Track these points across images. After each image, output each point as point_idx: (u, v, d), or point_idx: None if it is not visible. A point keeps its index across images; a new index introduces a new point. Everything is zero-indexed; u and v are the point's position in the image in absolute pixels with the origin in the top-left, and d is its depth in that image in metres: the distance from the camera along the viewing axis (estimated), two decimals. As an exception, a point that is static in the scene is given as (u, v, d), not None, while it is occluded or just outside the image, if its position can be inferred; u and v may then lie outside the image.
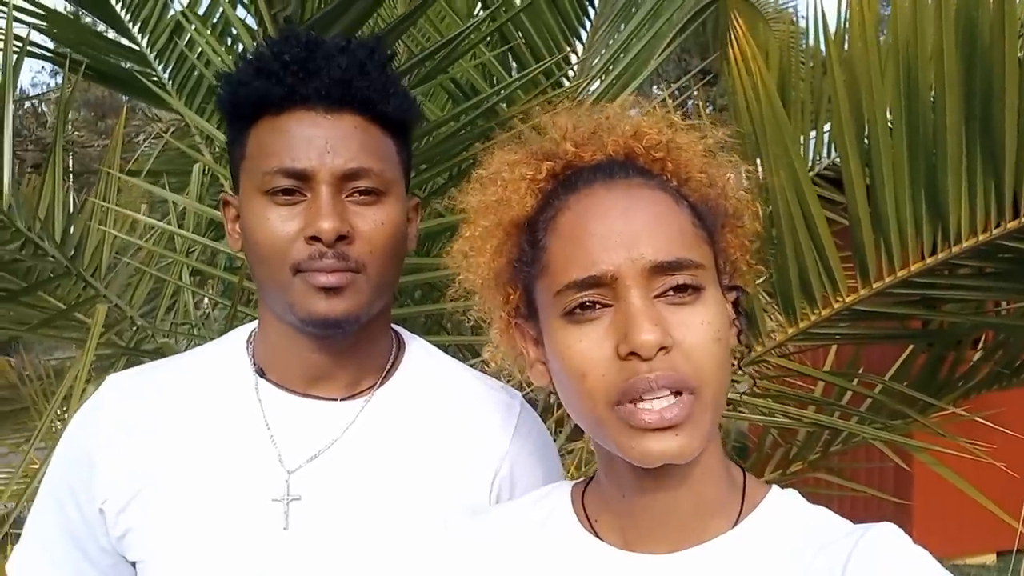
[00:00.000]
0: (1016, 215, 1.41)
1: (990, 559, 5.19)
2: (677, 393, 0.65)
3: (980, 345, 2.16)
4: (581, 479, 0.81)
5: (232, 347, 0.97)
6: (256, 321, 0.98)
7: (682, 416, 0.64)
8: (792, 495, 0.74)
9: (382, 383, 0.95)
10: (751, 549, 0.70)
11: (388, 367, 0.96)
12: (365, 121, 0.88)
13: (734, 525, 0.71)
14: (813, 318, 1.66)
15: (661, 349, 0.64)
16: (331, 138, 0.86)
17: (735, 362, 0.74)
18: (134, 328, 2.31)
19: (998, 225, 1.42)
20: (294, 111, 0.86)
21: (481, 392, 0.99)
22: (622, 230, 0.66)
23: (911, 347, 2.17)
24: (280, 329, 0.92)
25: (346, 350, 0.92)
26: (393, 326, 1.01)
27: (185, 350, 2.32)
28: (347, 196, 0.87)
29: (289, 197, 0.86)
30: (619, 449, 0.67)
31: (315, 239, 0.84)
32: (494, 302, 0.78)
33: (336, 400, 0.93)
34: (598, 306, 0.67)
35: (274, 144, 0.86)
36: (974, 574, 5.08)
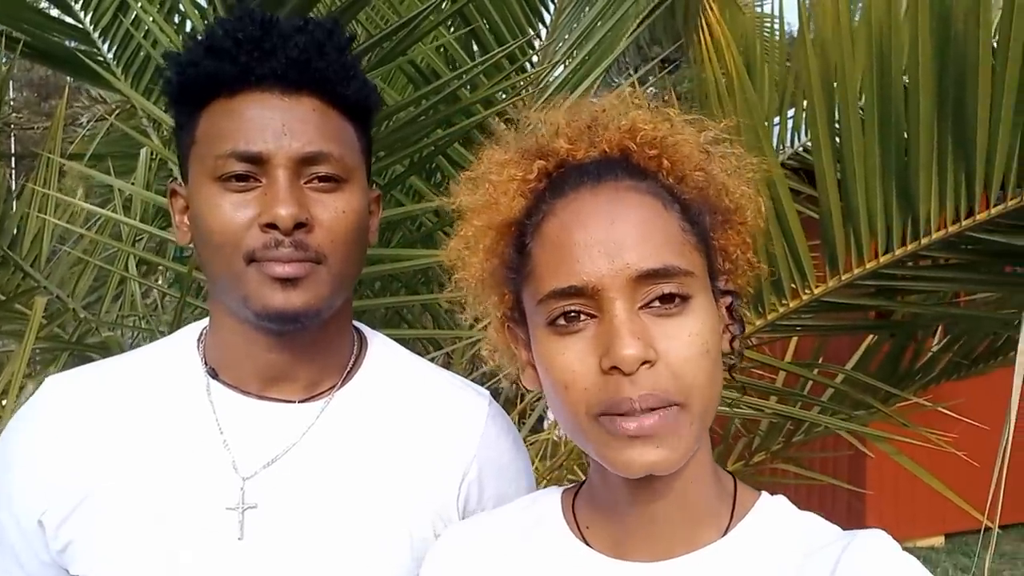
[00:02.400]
0: (984, 207, 1.40)
1: (939, 541, 5.36)
2: (660, 408, 0.63)
3: (940, 336, 2.19)
4: (571, 485, 0.80)
5: (182, 346, 0.91)
6: (207, 319, 0.92)
7: (664, 427, 0.63)
8: (782, 502, 0.74)
9: (343, 384, 0.90)
10: (741, 557, 0.69)
11: (349, 366, 0.92)
12: (324, 104, 0.83)
13: (724, 533, 0.71)
14: (781, 310, 1.65)
15: (644, 363, 0.63)
16: (288, 120, 0.81)
17: (726, 369, 0.72)
18: (77, 321, 2.21)
19: (968, 216, 1.41)
20: (248, 92, 0.81)
21: (447, 391, 0.95)
22: (605, 239, 0.65)
23: (873, 337, 2.18)
24: (233, 326, 0.86)
25: (305, 348, 0.86)
26: (355, 323, 0.96)
27: (132, 343, 2.24)
28: (306, 182, 0.82)
29: (243, 183, 0.80)
30: (601, 459, 0.66)
31: (271, 226, 0.79)
32: (490, 301, 0.76)
33: (294, 402, 0.88)
34: (582, 316, 0.65)
35: (227, 127, 0.81)
36: (923, 555, 5.24)
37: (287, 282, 0.80)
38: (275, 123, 0.80)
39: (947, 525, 5.23)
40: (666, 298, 0.64)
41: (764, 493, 0.74)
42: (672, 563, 0.70)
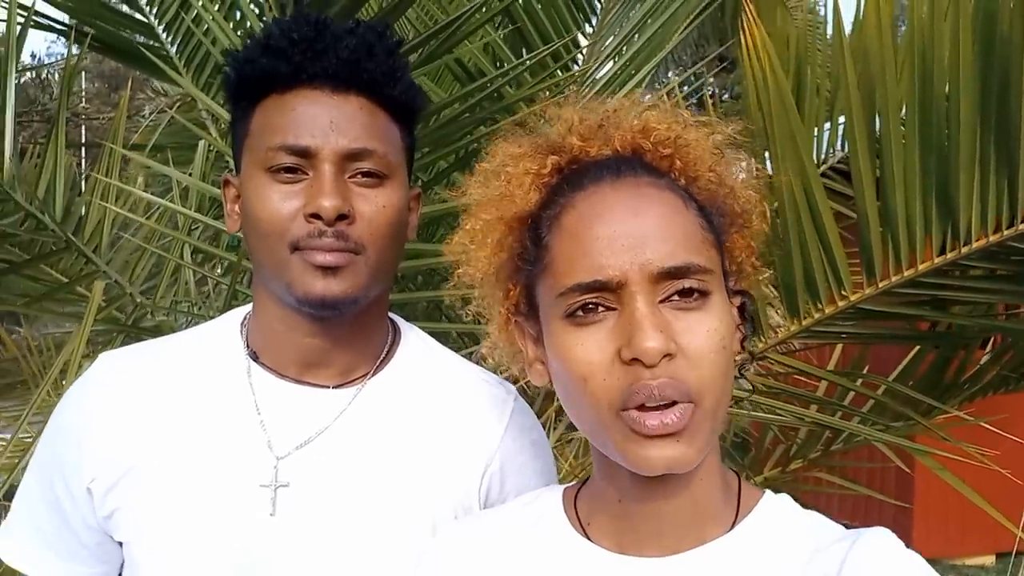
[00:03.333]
0: (1029, 217, 1.37)
1: (989, 560, 5.19)
2: (681, 403, 0.63)
3: (988, 348, 2.13)
4: (573, 483, 0.81)
5: (226, 329, 0.96)
6: (251, 304, 0.96)
7: (682, 424, 0.63)
8: (785, 500, 0.74)
9: (376, 372, 0.94)
10: (745, 554, 0.69)
11: (383, 356, 0.95)
12: (371, 104, 0.87)
13: (729, 530, 0.71)
14: (817, 316, 1.63)
15: (665, 356, 0.63)
16: (336, 117, 0.85)
17: (737, 369, 0.72)
18: (134, 305, 2.30)
19: (1010, 226, 1.38)
20: (300, 90, 0.85)
21: (476, 385, 0.97)
22: (628, 233, 0.65)
23: (917, 348, 2.13)
24: (276, 312, 0.90)
25: (341, 336, 0.90)
26: (390, 315, 0.99)
27: (185, 328, 2.32)
28: (349, 177, 0.86)
29: (291, 175, 0.85)
30: (620, 454, 0.66)
31: (315, 217, 0.83)
32: (494, 297, 0.76)
33: (329, 387, 0.91)
34: (601, 309, 0.65)
35: (278, 121, 0.85)
36: (972, 575, 5.08)
37: (328, 270, 0.84)
38: (323, 119, 0.84)
39: (998, 544, 5.05)
40: (685, 292, 0.65)
41: (768, 491, 0.74)
42: (677, 558, 0.70)
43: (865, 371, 2.20)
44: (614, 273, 0.64)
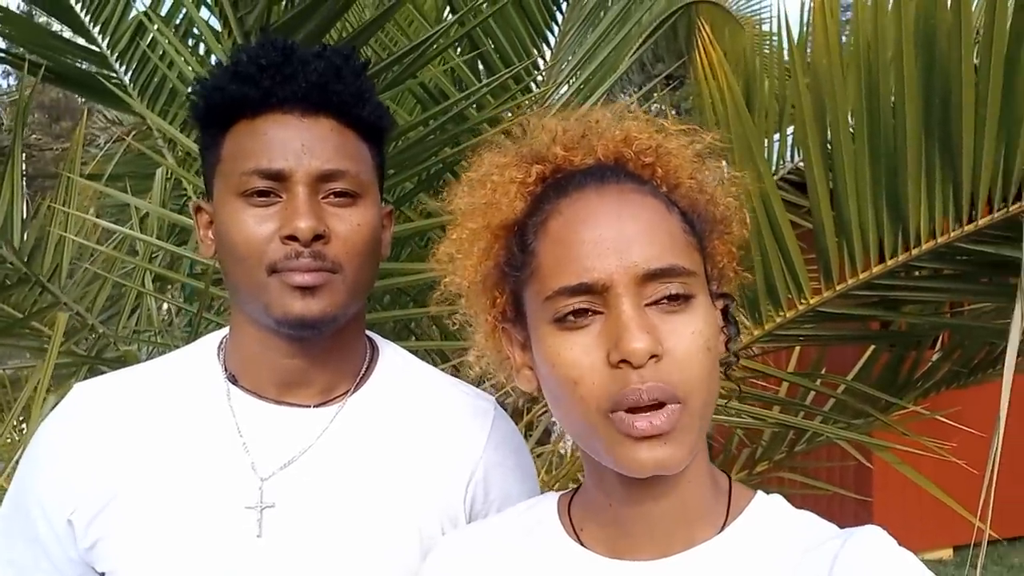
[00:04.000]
0: (972, 219, 1.45)
1: (947, 554, 5.32)
2: (668, 404, 0.64)
3: (939, 346, 2.22)
4: (568, 489, 0.81)
5: (203, 354, 0.96)
6: (226, 328, 0.97)
7: (670, 426, 0.64)
8: (777, 500, 0.74)
9: (356, 389, 0.95)
10: (736, 555, 0.70)
11: (362, 373, 0.96)
12: (340, 125, 0.88)
13: (719, 531, 0.71)
14: (778, 320, 1.69)
15: (652, 357, 0.63)
16: (307, 140, 0.86)
17: (722, 370, 0.74)
18: (95, 336, 2.26)
19: (956, 228, 1.46)
20: (270, 114, 0.87)
21: (455, 397, 0.99)
22: (614, 237, 0.66)
23: (873, 348, 2.21)
24: (253, 334, 0.91)
25: (320, 355, 0.91)
26: (367, 332, 1.00)
27: (148, 358, 2.28)
28: (323, 198, 0.87)
29: (265, 199, 0.86)
30: (610, 457, 0.67)
31: (291, 238, 0.84)
32: (480, 306, 0.77)
33: (309, 407, 0.92)
34: (589, 313, 0.66)
35: (250, 146, 0.86)
36: (931, 568, 5.19)
37: (306, 290, 0.85)
38: (295, 143, 0.86)
39: (955, 537, 5.19)
40: (671, 297, 0.65)
41: (760, 492, 0.75)
42: (668, 561, 0.70)
43: (823, 372, 2.27)
44: (600, 276, 0.65)
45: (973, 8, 1.32)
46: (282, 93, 0.86)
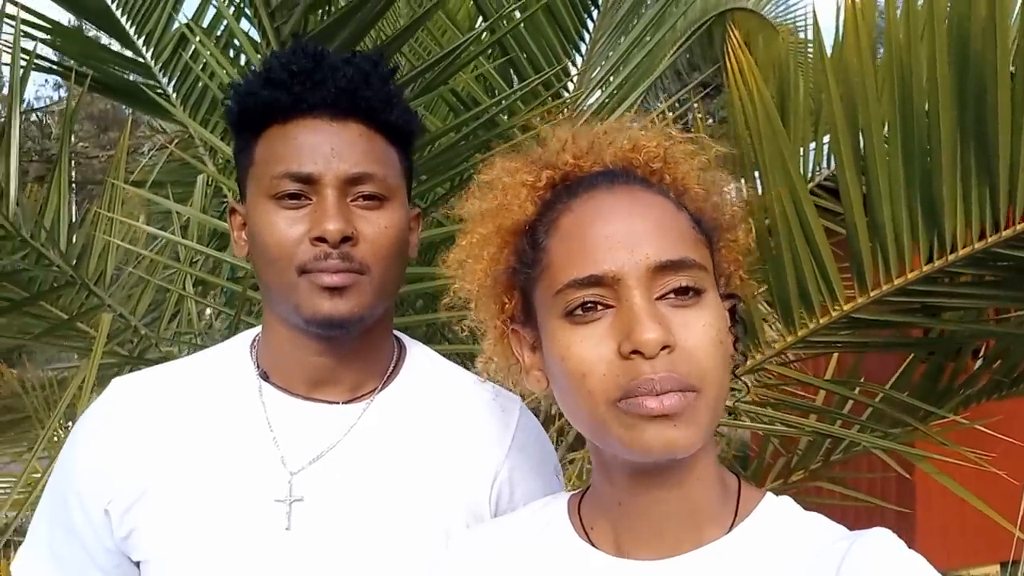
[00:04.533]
0: (1010, 223, 1.42)
1: (993, 570, 5.17)
2: (679, 391, 0.64)
3: (980, 354, 2.17)
4: (579, 489, 0.82)
5: (236, 351, 0.99)
6: (259, 327, 0.99)
7: (682, 407, 0.64)
8: (786, 502, 0.74)
9: (383, 387, 0.97)
10: (744, 555, 0.70)
11: (389, 371, 0.98)
12: (369, 130, 0.90)
13: (727, 532, 0.71)
14: (812, 326, 1.67)
15: (664, 348, 0.63)
16: (336, 144, 0.88)
17: (732, 371, 0.73)
18: (137, 338, 2.33)
19: (994, 233, 1.43)
20: (301, 119, 0.89)
21: (481, 396, 1.00)
22: (625, 231, 0.67)
23: (911, 356, 2.17)
24: (284, 333, 0.93)
25: (349, 354, 0.93)
26: (395, 332, 1.02)
27: (188, 358, 2.33)
28: (352, 200, 0.89)
29: (295, 201, 0.88)
30: (619, 443, 0.66)
31: (320, 240, 0.86)
32: (489, 311, 0.77)
33: (338, 403, 0.94)
34: (599, 307, 0.66)
35: (281, 150, 0.89)
36: (978, 585, 5.05)
37: (334, 291, 0.87)
38: (325, 147, 0.88)
39: (1002, 553, 5.04)
40: (681, 291, 0.66)
41: (769, 493, 0.74)
42: (675, 561, 0.70)
43: (861, 380, 2.23)
44: (610, 268, 0.65)
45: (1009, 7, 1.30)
46: (312, 98, 0.88)
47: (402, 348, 1.02)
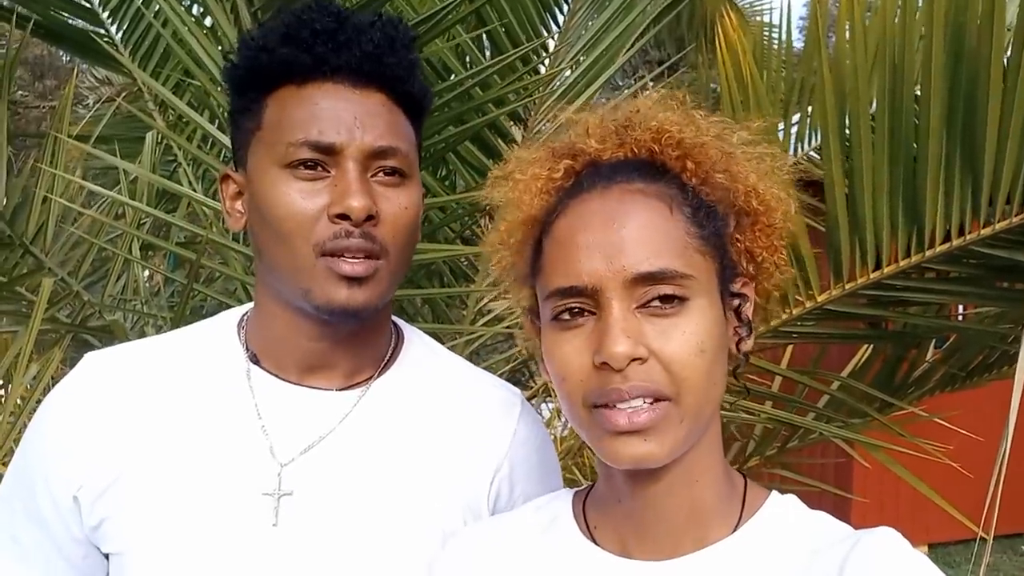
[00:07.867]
0: (990, 222, 1.43)
1: (922, 551, 5.40)
2: (655, 400, 0.65)
3: (941, 347, 2.21)
4: (583, 487, 0.81)
5: (222, 330, 0.92)
6: (247, 305, 0.93)
7: (652, 422, 0.65)
8: (792, 501, 0.74)
9: (380, 374, 0.91)
10: (749, 555, 0.70)
11: (386, 359, 0.93)
12: (390, 101, 0.85)
13: (732, 532, 0.71)
14: (784, 316, 1.67)
15: (636, 360, 0.65)
16: (360, 114, 0.82)
17: (730, 369, 0.74)
18: (79, 303, 2.20)
19: (972, 231, 1.44)
20: (321, 83, 0.82)
21: (482, 388, 0.96)
22: (606, 242, 0.67)
23: (870, 347, 2.20)
24: (280, 314, 0.87)
25: (346, 339, 0.88)
26: (392, 317, 0.97)
27: (133, 327, 2.23)
28: (372, 175, 0.83)
29: (311, 171, 0.81)
30: (595, 447, 0.69)
31: (342, 217, 0.80)
32: (520, 294, 0.79)
33: (332, 390, 0.89)
34: (585, 312, 0.68)
35: (299, 115, 0.82)
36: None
37: (352, 280, 0.81)
38: (348, 116, 0.81)
39: (931, 535, 5.28)
40: (665, 299, 0.66)
41: (775, 492, 0.75)
42: (679, 561, 0.70)
43: (818, 369, 2.26)
44: (589, 280, 0.67)
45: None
46: (335, 61, 0.81)
47: (400, 334, 0.97)
